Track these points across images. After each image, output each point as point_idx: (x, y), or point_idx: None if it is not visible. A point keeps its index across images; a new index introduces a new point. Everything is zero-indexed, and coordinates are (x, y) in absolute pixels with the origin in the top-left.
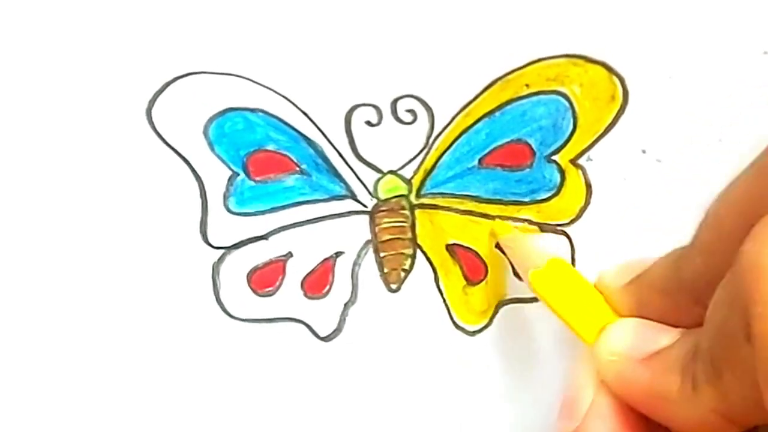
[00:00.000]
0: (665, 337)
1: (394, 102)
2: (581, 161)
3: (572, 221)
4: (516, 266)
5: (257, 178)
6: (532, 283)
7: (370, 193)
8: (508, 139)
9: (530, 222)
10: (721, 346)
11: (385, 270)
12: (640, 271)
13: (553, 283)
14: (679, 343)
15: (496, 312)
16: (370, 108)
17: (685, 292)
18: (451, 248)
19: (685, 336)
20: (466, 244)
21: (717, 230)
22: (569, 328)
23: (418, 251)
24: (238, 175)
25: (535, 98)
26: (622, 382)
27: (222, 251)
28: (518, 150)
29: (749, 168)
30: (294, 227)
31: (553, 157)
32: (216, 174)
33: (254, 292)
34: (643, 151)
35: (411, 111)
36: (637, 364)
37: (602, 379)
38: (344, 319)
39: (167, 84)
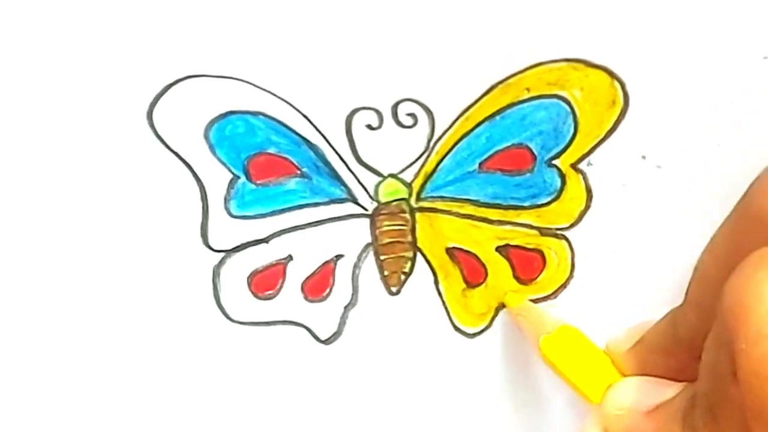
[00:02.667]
0: (668, 390)
1: (395, 106)
2: (582, 166)
3: (572, 225)
4: (527, 333)
5: (258, 182)
6: (542, 348)
7: (370, 196)
8: (509, 144)
9: (530, 226)
10: (714, 389)
11: (386, 273)
12: (644, 333)
13: (564, 349)
14: (681, 394)
15: (495, 315)
16: (371, 111)
17: (683, 349)
18: (450, 251)
19: (686, 387)
20: (465, 248)
21: (705, 284)
22: (578, 392)
23: (418, 254)
24: (239, 178)
25: (535, 102)
26: None
27: (222, 254)
28: (519, 154)
29: (729, 216)
30: (294, 230)
31: (554, 162)
32: (217, 177)
33: (254, 295)
34: (643, 157)
35: (412, 115)
36: (641, 416)
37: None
38: (344, 322)
39: (168, 87)
